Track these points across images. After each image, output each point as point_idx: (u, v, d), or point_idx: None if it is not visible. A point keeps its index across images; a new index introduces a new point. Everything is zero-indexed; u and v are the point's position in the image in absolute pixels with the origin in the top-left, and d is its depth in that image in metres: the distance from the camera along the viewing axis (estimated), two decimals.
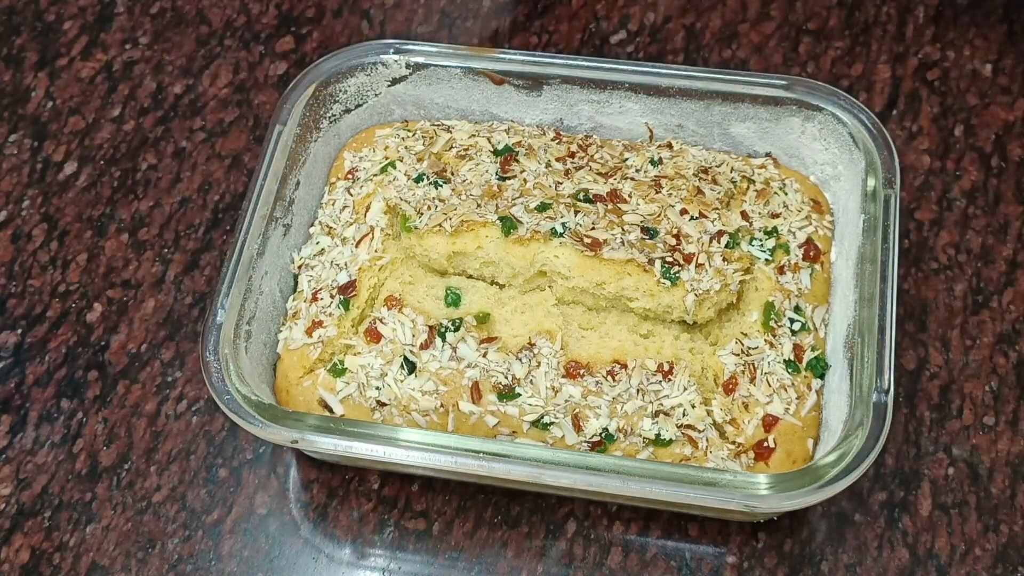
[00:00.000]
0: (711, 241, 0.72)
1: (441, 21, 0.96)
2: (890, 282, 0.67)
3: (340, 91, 0.79)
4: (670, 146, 0.78)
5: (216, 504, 0.74)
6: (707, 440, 0.67)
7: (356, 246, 0.74)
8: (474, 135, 0.78)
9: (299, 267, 0.75)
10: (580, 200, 0.73)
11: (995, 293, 0.80)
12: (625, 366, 0.68)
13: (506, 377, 0.68)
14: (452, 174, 0.76)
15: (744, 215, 0.74)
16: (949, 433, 0.75)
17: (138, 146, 0.89)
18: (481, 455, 0.63)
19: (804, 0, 0.95)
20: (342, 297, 0.72)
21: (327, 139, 0.79)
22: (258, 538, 0.73)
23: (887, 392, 0.64)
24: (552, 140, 0.78)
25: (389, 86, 0.80)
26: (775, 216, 0.75)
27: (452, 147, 0.78)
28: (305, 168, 0.77)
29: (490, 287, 0.72)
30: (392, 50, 0.79)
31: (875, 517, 0.72)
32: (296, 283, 0.75)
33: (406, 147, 0.78)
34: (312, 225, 0.77)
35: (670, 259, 0.70)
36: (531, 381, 0.68)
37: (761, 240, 0.73)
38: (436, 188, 0.75)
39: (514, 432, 0.68)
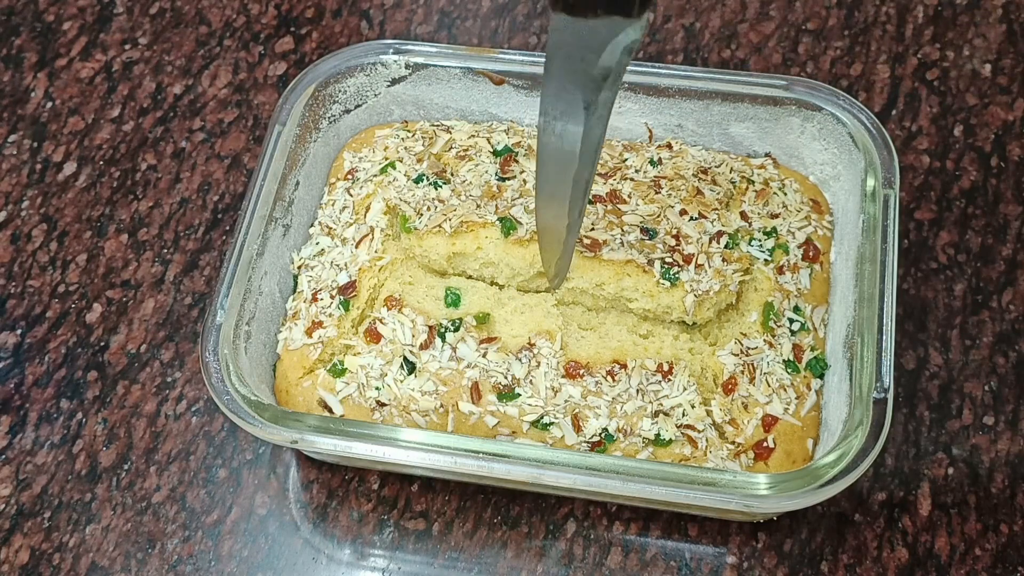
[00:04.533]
0: (710, 241, 0.72)
1: (441, 21, 0.96)
2: (889, 282, 0.67)
3: (339, 91, 0.79)
4: (669, 146, 0.78)
5: (216, 504, 0.74)
6: (707, 440, 0.67)
7: (356, 247, 0.74)
8: (474, 135, 0.78)
9: (299, 267, 0.75)
10: None
11: (994, 293, 0.80)
12: (625, 366, 0.68)
13: (506, 377, 0.68)
14: (452, 175, 0.76)
15: (743, 215, 0.74)
16: (949, 433, 0.75)
17: (137, 146, 0.89)
18: (481, 455, 0.63)
19: (803, 0, 0.95)
20: (342, 297, 0.72)
21: (327, 139, 0.79)
22: (258, 538, 0.73)
23: (887, 392, 0.64)
24: None
25: (388, 86, 0.80)
26: (774, 216, 0.75)
27: (452, 148, 0.78)
28: (305, 168, 0.77)
29: (490, 287, 0.72)
30: (391, 50, 0.79)
31: (875, 517, 0.72)
32: (296, 283, 0.75)
33: (406, 148, 0.78)
34: (312, 225, 0.77)
35: (669, 260, 0.70)
36: (531, 381, 0.68)
37: (760, 240, 0.73)
38: (436, 189, 0.75)
39: (514, 432, 0.68)
